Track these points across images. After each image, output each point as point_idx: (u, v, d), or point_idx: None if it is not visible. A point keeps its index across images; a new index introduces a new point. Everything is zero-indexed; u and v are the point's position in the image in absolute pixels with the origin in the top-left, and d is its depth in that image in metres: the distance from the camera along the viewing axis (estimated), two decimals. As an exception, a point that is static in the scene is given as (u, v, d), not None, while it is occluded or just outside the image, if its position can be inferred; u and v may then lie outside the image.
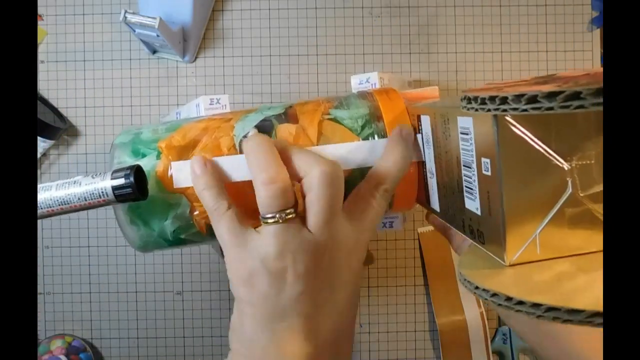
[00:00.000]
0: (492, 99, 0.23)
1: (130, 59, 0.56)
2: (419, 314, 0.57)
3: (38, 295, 0.56)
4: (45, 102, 0.55)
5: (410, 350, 0.57)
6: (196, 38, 0.55)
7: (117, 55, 0.56)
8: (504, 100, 0.22)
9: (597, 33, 0.56)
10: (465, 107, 0.25)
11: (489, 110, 0.23)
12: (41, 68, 0.55)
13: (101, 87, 0.56)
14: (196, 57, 0.56)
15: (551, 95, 0.20)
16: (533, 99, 0.21)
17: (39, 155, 0.55)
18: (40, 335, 0.56)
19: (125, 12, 0.47)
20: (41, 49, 0.55)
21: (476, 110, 0.24)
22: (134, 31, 0.50)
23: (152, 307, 0.56)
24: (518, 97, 0.22)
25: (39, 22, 0.55)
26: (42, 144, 0.53)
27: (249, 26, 0.56)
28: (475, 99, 0.24)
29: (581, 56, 0.56)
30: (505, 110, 0.22)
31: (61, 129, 0.54)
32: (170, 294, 0.56)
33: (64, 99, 0.56)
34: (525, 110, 0.21)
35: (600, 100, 0.19)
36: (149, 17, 0.47)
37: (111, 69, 0.56)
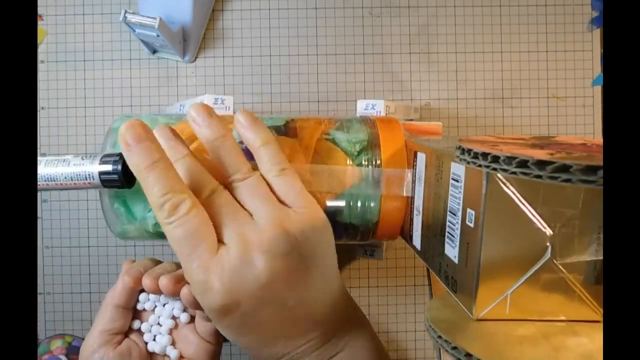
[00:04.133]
0: (485, 155, 0.23)
1: (130, 59, 0.56)
2: (419, 314, 0.57)
3: (38, 295, 0.56)
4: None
5: (411, 350, 0.57)
6: (196, 38, 0.55)
7: (117, 55, 0.56)
8: (495, 159, 0.23)
9: (597, 33, 0.56)
10: (458, 157, 0.25)
11: (479, 165, 0.24)
12: (41, 68, 0.55)
13: (101, 87, 0.56)
14: (196, 57, 0.56)
15: (541, 164, 0.21)
16: (523, 164, 0.21)
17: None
18: (40, 335, 0.56)
19: (125, 12, 0.47)
20: (41, 49, 0.55)
21: (468, 163, 0.24)
22: (134, 31, 0.50)
23: (152, 307, 0.56)
24: (509, 159, 0.22)
25: (39, 22, 0.55)
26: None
27: (249, 26, 0.56)
28: (469, 151, 0.24)
29: (581, 56, 0.56)
30: (495, 169, 0.23)
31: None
32: (170, 294, 0.56)
33: (64, 99, 0.56)
34: (515, 173, 0.22)
35: (588, 177, 0.20)
36: (149, 17, 0.47)
37: (111, 69, 0.56)
